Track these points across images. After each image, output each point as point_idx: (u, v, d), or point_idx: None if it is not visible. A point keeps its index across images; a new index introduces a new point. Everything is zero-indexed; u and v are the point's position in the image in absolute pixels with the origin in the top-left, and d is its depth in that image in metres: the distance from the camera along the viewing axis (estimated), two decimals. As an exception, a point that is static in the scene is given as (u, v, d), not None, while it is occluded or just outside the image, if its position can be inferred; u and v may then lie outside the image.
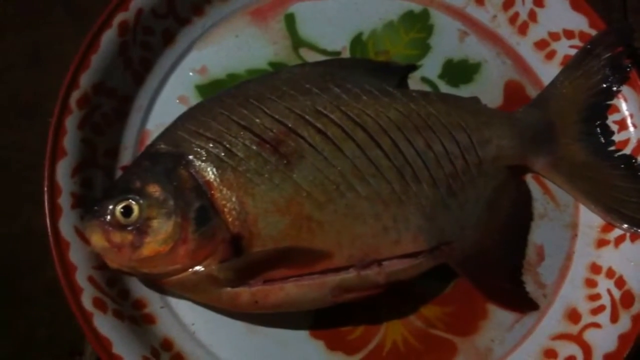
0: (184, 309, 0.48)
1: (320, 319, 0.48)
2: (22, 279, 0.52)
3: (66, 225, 0.47)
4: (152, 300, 0.48)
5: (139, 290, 0.48)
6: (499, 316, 0.48)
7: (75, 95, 0.48)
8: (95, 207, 0.45)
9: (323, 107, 0.46)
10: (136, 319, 0.47)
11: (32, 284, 0.52)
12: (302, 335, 0.48)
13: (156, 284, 0.47)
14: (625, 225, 0.48)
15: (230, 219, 0.44)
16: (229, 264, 0.44)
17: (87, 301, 0.45)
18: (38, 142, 0.49)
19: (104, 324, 0.45)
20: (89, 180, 0.49)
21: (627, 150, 0.49)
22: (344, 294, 0.45)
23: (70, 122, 0.48)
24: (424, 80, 0.53)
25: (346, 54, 0.53)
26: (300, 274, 0.44)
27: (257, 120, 0.45)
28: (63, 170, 0.47)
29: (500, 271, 0.48)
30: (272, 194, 0.44)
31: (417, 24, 0.53)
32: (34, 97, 0.56)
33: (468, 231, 0.47)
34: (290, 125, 0.45)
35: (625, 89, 0.50)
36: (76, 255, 0.46)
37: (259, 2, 0.53)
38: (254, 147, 0.45)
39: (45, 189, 0.47)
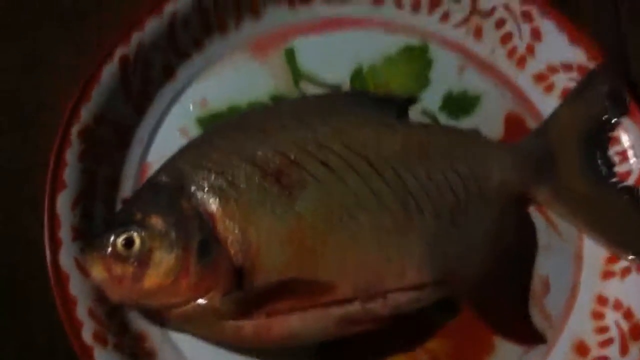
0: (185, 343, 0.47)
1: (324, 353, 0.47)
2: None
3: (66, 257, 0.46)
4: (153, 334, 0.47)
5: (140, 324, 0.47)
6: (505, 349, 0.48)
7: (76, 128, 0.48)
8: (96, 239, 0.44)
9: (325, 138, 0.46)
10: (136, 353, 0.46)
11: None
12: (305, 369, 0.47)
13: (157, 317, 0.46)
14: (631, 257, 0.48)
15: (232, 251, 0.43)
16: (232, 296, 0.43)
17: (87, 335, 0.45)
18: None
19: (105, 358, 0.44)
20: (89, 212, 0.48)
21: (630, 182, 0.49)
22: (348, 326, 0.44)
23: (70, 155, 0.48)
24: (425, 112, 0.53)
25: (346, 87, 0.53)
26: (303, 306, 0.43)
27: (259, 152, 0.45)
28: (63, 203, 0.47)
29: (505, 302, 0.48)
30: (275, 225, 0.44)
31: (417, 58, 0.54)
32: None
33: (472, 262, 0.46)
34: (292, 156, 0.45)
35: (625, 120, 0.50)
36: (76, 288, 0.46)
37: (259, 36, 0.53)
38: (256, 179, 0.44)
39: (46, 222, 0.46)
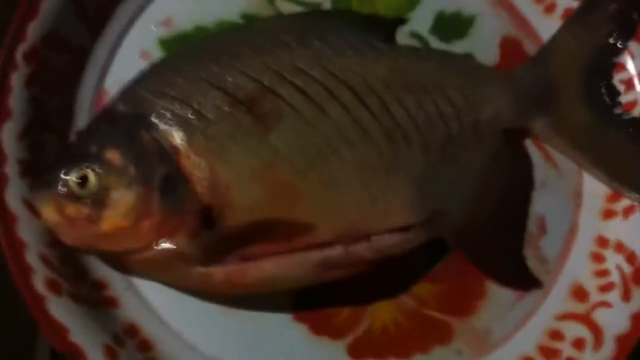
0: (151, 290, 0.45)
1: (302, 301, 0.46)
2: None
3: (13, 196, 0.43)
4: (114, 281, 0.45)
5: (99, 270, 0.45)
6: (498, 295, 0.47)
7: (21, 49, 0.45)
8: (47, 176, 0.42)
9: (303, 62, 0.44)
10: (96, 302, 0.44)
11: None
12: (284, 318, 0.45)
13: (118, 263, 0.44)
14: (634, 194, 0.47)
15: (199, 188, 0.41)
16: (199, 238, 0.41)
17: (39, 282, 0.42)
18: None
19: (59, 309, 0.42)
20: (39, 145, 0.45)
21: (635, 113, 0.48)
22: (329, 271, 0.43)
23: (17, 79, 0.45)
24: (414, 35, 0.50)
25: (327, 6, 0.50)
26: (280, 250, 0.42)
27: (229, 78, 0.43)
28: (9, 134, 0.44)
29: (498, 245, 0.47)
30: (247, 160, 0.42)
31: (406, -27, 0.51)
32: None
33: (463, 201, 0.45)
34: (266, 83, 0.43)
35: (632, 45, 0.48)
36: (25, 230, 0.43)
37: (230, -55, 0.50)
38: (226, 108, 0.42)
39: (-12, 154, 0.43)
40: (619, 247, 0.46)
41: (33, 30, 0.45)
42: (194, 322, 0.45)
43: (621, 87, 0.48)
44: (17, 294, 0.42)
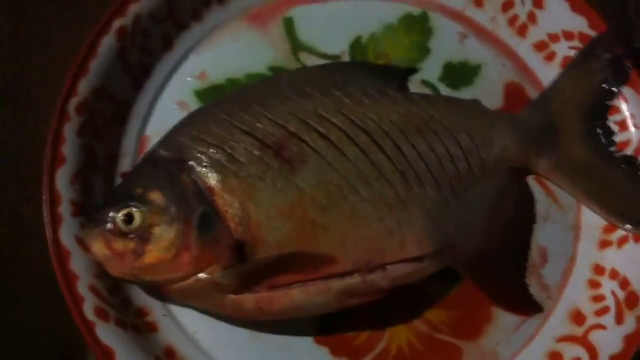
0: (187, 317, 0.48)
1: (325, 325, 0.48)
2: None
3: (67, 234, 0.46)
4: (155, 308, 0.48)
5: (141, 298, 0.48)
6: (503, 319, 0.48)
7: (74, 102, 0.48)
8: (97, 215, 0.45)
9: (325, 111, 0.46)
10: (139, 327, 0.47)
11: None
12: (307, 341, 0.47)
13: (159, 292, 0.47)
14: (628, 226, 0.48)
15: (233, 225, 0.44)
16: (233, 270, 0.43)
17: (89, 311, 0.45)
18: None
19: (107, 334, 0.45)
20: (89, 188, 0.48)
21: (629, 151, 0.49)
22: (349, 299, 0.44)
23: (69, 130, 0.47)
24: (425, 83, 0.52)
25: (346, 58, 0.53)
26: (305, 280, 0.44)
27: (259, 125, 0.45)
28: (62, 178, 0.47)
29: (504, 273, 0.49)
30: (275, 199, 0.44)
31: (417, 27, 0.53)
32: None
33: (472, 234, 0.47)
34: (292, 129, 0.45)
35: (626, 90, 0.50)
36: (77, 264, 0.46)
37: (258, 6, 0.53)
38: (256, 152, 0.44)
39: (45, 198, 0.46)
40: (614, 275, 0.48)
41: (84, 86, 0.48)
42: (226, 345, 0.47)
43: (616, 128, 0.50)
44: (69, 318, 0.45)
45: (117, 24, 0.49)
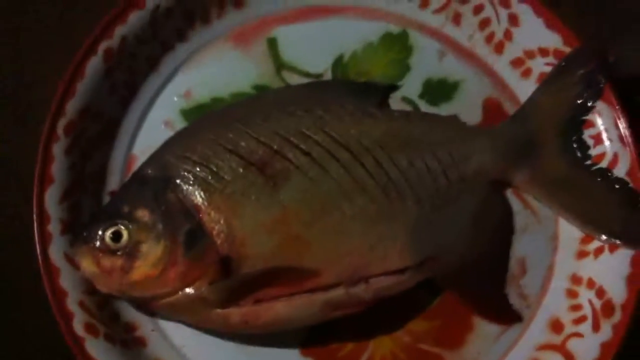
0: (175, 331, 0.48)
1: (310, 337, 0.48)
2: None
3: (56, 251, 0.47)
4: (143, 323, 0.48)
5: (130, 313, 0.48)
6: (484, 329, 0.49)
7: (62, 123, 0.48)
8: (85, 233, 0.45)
9: (307, 128, 0.47)
10: (127, 342, 0.47)
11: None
12: (293, 353, 0.48)
13: (146, 307, 0.47)
14: (603, 237, 0.49)
15: (219, 241, 0.44)
16: (219, 285, 0.44)
17: (78, 326, 0.45)
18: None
19: (96, 349, 0.45)
20: (77, 206, 0.49)
21: (603, 164, 0.50)
22: (332, 311, 0.45)
23: (57, 149, 0.48)
24: (405, 99, 0.53)
25: (328, 76, 0.53)
26: (289, 293, 0.44)
27: (243, 143, 0.46)
28: (51, 197, 0.47)
29: (484, 284, 0.49)
30: (260, 215, 0.44)
31: (397, 45, 0.54)
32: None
33: (453, 246, 0.47)
34: (275, 147, 0.46)
35: (599, 104, 0.50)
36: (66, 281, 0.46)
37: (241, 26, 0.54)
38: (240, 170, 0.45)
39: (35, 216, 0.47)
40: (591, 284, 0.49)
41: (71, 106, 0.49)
42: (213, 358, 0.48)
43: (591, 142, 0.50)
44: (58, 334, 0.45)
45: (103, 45, 0.50)
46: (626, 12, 0.58)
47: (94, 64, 0.50)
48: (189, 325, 0.47)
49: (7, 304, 0.52)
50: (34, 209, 0.47)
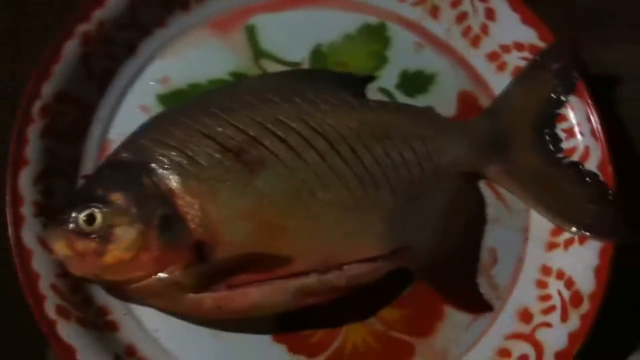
0: (148, 315, 0.48)
1: (283, 324, 0.48)
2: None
3: (28, 234, 0.47)
4: (115, 307, 0.48)
5: (102, 297, 0.48)
6: (455, 318, 0.49)
7: (37, 105, 0.48)
8: (58, 216, 0.45)
9: (284, 116, 0.47)
10: (99, 326, 0.47)
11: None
12: (265, 339, 0.48)
13: (119, 291, 0.47)
14: (574, 229, 0.50)
15: (193, 226, 0.44)
16: (193, 269, 0.44)
17: (50, 309, 0.45)
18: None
19: (68, 332, 0.45)
20: (51, 189, 0.48)
21: (575, 157, 0.51)
22: (305, 297, 0.45)
23: (32, 132, 0.48)
24: (382, 90, 0.54)
25: (306, 65, 0.54)
26: (262, 279, 0.45)
27: (220, 129, 0.46)
28: (25, 180, 0.47)
29: (456, 273, 0.50)
30: (235, 201, 0.45)
31: (375, 37, 0.55)
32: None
33: (426, 236, 0.48)
34: (252, 133, 0.46)
35: (572, 99, 0.51)
36: (39, 263, 0.46)
37: (220, 14, 0.54)
38: (217, 155, 0.45)
39: (8, 198, 0.46)
40: (560, 275, 0.49)
41: (47, 89, 0.48)
42: (186, 343, 0.47)
43: (563, 135, 0.51)
44: (30, 316, 0.45)
45: (80, 28, 0.50)
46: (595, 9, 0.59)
47: (70, 47, 0.49)
48: (162, 310, 0.47)
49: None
50: (8, 190, 0.47)
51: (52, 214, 0.46)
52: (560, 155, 0.51)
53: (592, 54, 0.56)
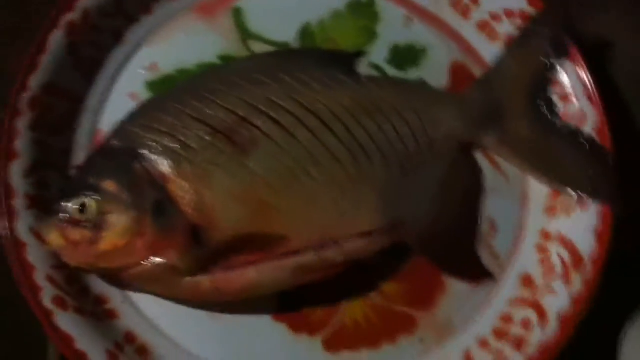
0: (146, 302, 0.48)
1: (282, 304, 0.48)
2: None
3: (22, 226, 0.46)
4: (113, 296, 0.48)
5: (100, 287, 0.48)
6: (456, 288, 0.49)
7: (25, 97, 0.48)
8: (51, 207, 0.45)
9: (275, 96, 0.46)
10: (98, 314, 0.47)
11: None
12: (266, 320, 0.48)
13: (116, 280, 0.46)
14: (573, 193, 0.49)
15: (187, 210, 0.44)
16: (191, 254, 0.44)
17: (47, 300, 0.45)
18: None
19: (65, 321, 0.45)
20: (43, 181, 0.48)
21: (571, 122, 0.51)
22: (304, 275, 0.45)
23: (22, 124, 0.48)
24: (372, 65, 0.53)
25: (295, 45, 0.53)
26: (260, 259, 0.44)
27: (209, 112, 0.46)
28: (16, 172, 0.47)
29: (455, 245, 0.50)
30: (229, 183, 0.44)
31: (363, 12, 0.54)
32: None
33: (423, 209, 0.48)
34: (242, 115, 0.46)
35: (566, 64, 0.51)
36: (34, 255, 0.46)
37: (206, -2, 0.54)
38: (208, 138, 0.45)
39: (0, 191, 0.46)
40: (561, 239, 0.49)
41: (34, 81, 0.48)
42: (185, 328, 0.48)
43: (558, 101, 0.51)
44: (28, 309, 0.45)
45: (65, 19, 0.49)
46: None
47: (56, 38, 0.49)
48: (160, 296, 0.47)
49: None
50: (-1, 184, 0.46)
51: (45, 206, 0.46)
52: (556, 121, 0.51)
53: (583, 18, 0.55)
